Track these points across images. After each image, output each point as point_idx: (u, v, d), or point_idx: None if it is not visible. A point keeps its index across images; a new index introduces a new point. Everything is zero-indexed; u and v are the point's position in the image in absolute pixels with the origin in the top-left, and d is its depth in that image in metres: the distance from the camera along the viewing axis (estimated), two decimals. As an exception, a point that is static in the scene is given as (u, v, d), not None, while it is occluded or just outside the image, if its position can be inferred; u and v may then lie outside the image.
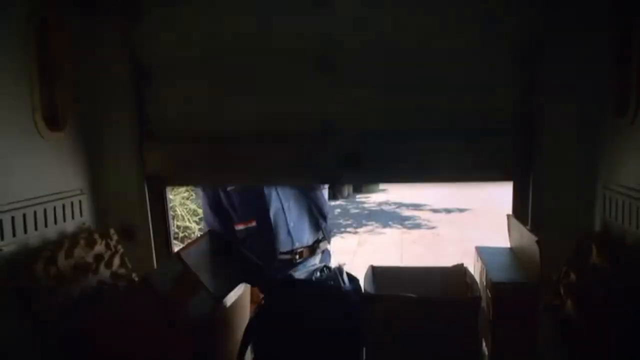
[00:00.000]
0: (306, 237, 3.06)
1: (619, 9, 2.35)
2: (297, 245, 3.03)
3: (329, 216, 3.29)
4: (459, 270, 2.66)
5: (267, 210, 3.01)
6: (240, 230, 3.02)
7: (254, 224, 3.03)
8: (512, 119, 2.70)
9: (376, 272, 2.65)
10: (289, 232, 3.03)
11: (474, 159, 2.76)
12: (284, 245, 3.01)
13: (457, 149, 2.75)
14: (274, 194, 3.04)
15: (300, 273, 2.51)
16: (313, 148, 2.79)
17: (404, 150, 2.77)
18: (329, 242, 3.21)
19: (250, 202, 3.02)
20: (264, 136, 2.77)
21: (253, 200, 3.02)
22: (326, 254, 3.22)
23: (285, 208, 3.02)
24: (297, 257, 3.02)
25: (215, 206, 3.10)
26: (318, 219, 3.12)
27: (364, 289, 2.40)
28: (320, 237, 3.18)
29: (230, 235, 3.04)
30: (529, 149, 2.70)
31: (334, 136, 2.75)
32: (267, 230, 3.01)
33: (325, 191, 3.34)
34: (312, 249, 3.08)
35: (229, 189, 3.03)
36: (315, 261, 2.98)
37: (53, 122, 2.74)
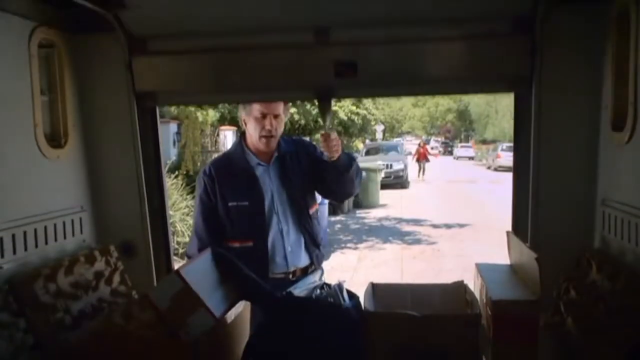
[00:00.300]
0: (302, 261, 2.99)
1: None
2: (291, 268, 2.94)
3: (329, 231, 3.24)
4: (459, 287, 2.65)
5: (267, 234, 2.95)
6: (235, 248, 2.98)
7: (250, 244, 2.96)
8: (513, 23, 2.60)
9: (376, 289, 2.65)
10: (285, 257, 2.93)
11: (474, 67, 2.66)
12: (279, 268, 2.93)
13: (458, 56, 2.66)
14: (274, 217, 2.96)
15: (300, 290, 2.50)
16: (308, 58, 2.71)
17: (401, 58, 2.67)
18: (318, 268, 3.10)
19: (250, 221, 2.94)
20: (260, 47, 2.70)
21: (253, 221, 2.94)
22: (321, 271, 3.15)
23: (284, 232, 2.97)
24: (291, 276, 2.96)
25: (209, 216, 3.00)
26: (310, 246, 3.04)
27: (365, 306, 2.40)
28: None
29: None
30: (530, 54, 2.61)
31: (328, 45, 2.66)
32: (262, 252, 2.93)
33: (325, 207, 3.31)
34: (305, 269, 3.01)
35: (230, 204, 3.01)
36: (315, 278, 2.94)
37: (54, 139, 2.76)
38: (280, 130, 3.00)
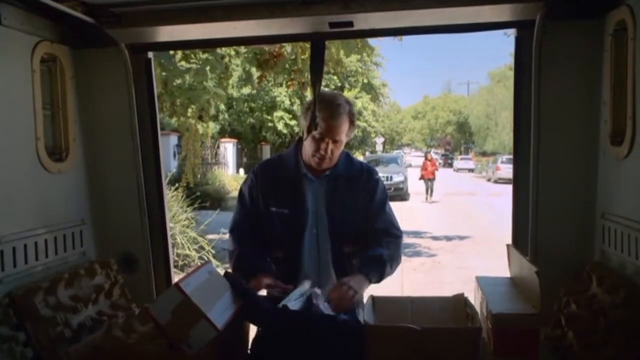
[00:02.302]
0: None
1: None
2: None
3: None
4: (459, 300, 2.65)
5: (300, 248, 2.70)
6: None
7: (280, 255, 2.73)
8: None
9: (376, 302, 2.64)
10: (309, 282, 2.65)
11: None
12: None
13: None
14: (311, 236, 2.71)
15: (294, 303, 2.46)
16: (300, 15, 2.61)
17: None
18: None
19: (286, 231, 2.71)
20: (256, 5, 2.60)
21: (289, 230, 2.70)
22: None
23: (315, 256, 2.71)
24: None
25: (246, 216, 2.77)
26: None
27: (364, 319, 2.39)
28: None
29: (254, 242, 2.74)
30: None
31: (317, 4, 2.55)
32: (290, 267, 2.70)
33: None
34: None
35: (272, 209, 2.71)
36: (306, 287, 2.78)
37: (56, 152, 2.77)
38: (337, 153, 2.71)
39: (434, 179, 23.32)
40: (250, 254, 2.74)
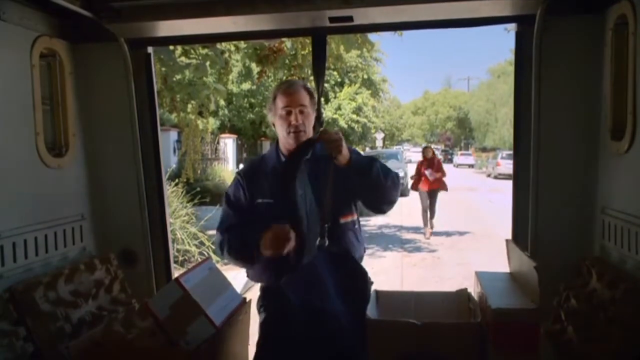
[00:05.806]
0: None
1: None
2: None
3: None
4: (462, 295, 2.65)
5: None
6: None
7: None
8: None
9: (380, 297, 2.65)
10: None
11: None
12: None
13: None
14: (304, 221, 2.67)
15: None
16: (300, 10, 2.61)
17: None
18: None
19: (273, 220, 2.60)
20: (256, 0, 2.60)
21: (277, 220, 2.60)
22: None
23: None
24: None
25: (235, 214, 2.74)
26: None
27: (367, 314, 2.39)
28: None
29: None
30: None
31: None
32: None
33: None
34: None
35: (257, 201, 2.72)
36: None
37: (55, 147, 2.77)
38: (309, 124, 2.73)
39: (435, 192, 13.01)
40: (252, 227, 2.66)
